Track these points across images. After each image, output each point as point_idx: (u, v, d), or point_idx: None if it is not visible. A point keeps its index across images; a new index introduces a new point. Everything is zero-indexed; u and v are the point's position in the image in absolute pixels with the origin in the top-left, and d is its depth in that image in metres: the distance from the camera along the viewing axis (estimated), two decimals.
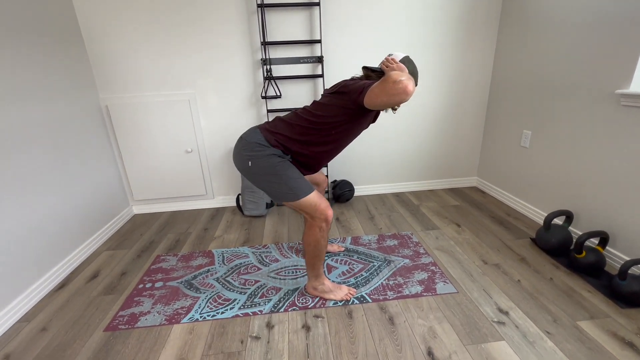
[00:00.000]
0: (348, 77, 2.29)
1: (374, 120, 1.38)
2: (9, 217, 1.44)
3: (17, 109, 1.51)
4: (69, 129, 1.86)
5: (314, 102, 1.33)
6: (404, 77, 1.01)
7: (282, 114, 2.33)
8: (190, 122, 2.29)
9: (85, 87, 2.04)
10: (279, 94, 2.26)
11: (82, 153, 1.96)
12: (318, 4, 2.08)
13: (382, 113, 1.48)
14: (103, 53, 2.09)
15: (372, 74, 1.31)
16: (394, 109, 1.22)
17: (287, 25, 2.16)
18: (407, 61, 1.27)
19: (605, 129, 1.61)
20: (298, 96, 2.32)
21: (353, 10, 2.17)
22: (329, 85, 2.31)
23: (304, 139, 1.28)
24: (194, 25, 2.09)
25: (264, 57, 2.17)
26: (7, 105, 1.46)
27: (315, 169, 1.42)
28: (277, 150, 1.28)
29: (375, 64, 2.30)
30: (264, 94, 2.24)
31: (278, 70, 2.24)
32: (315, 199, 1.28)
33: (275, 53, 2.21)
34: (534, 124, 2.07)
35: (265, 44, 2.13)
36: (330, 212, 1.29)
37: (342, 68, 2.30)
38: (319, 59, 2.21)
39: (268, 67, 2.19)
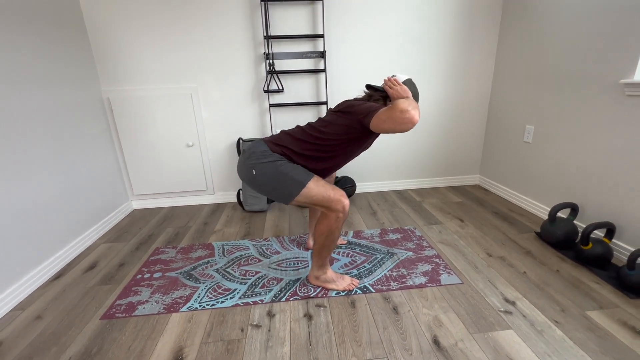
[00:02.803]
0: (351, 71, 2.31)
1: (373, 140, 1.40)
2: (6, 205, 1.41)
3: (17, 98, 1.50)
4: (69, 119, 1.84)
5: (319, 119, 1.36)
6: (412, 107, 1.04)
7: (284, 109, 2.35)
8: (192, 116, 2.28)
9: (87, 78, 2.03)
10: (281, 88, 2.26)
11: (82, 144, 1.94)
12: None
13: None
14: (106, 45, 2.10)
15: (375, 94, 1.35)
16: None
17: (290, 19, 2.17)
18: (409, 83, 1.32)
19: (610, 120, 1.60)
20: (300, 90, 2.32)
21: (356, 5, 2.18)
22: (331, 80, 2.31)
23: (308, 154, 1.30)
24: (198, 19, 2.10)
25: (266, 51, 2.17)
26: (7, 92, 1.45)
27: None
28: (281, 157, 1.29)
29: (377, 60, 2.31)
30: (266, 88, 2.23)
31: (281, 64, 2.25)
32: (325, 189, 1.25)
33: (278, 47, 2.21)
34: (536, 118, 2.06)
35: (268, 38, 2.13)
36: (346, 200, 1.25)
37: (344, 63, 2.30)
38: (322, 54, 2.22)
39: (271, 61, 2.19)
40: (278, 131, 2.37)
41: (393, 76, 1.32)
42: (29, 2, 1.60)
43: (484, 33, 2.34)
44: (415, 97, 1.32)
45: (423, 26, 2.27)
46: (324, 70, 2.24)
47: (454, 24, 2.29)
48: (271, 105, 2.29)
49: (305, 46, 2.23)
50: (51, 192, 1.67)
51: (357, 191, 2.62)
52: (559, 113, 1.89)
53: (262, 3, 2.07)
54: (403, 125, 1.06)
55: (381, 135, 2.46)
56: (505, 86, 2.33)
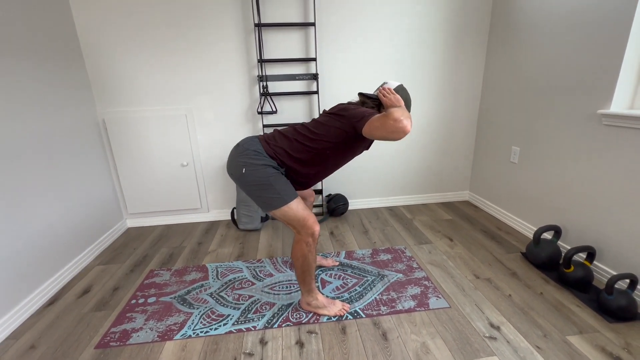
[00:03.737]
0: (343, 93, 2.37)
1: (367, 148, 1.43)
2: (1, 231, 1.43)
3: (12, 122, 1.52)
4: (65, 142, 1.87)
5: (313, 120, 1.37)
6: (405, 117, 1.06)
7: (278, 129, 2.39)
8: (187, 136, 2.32)
9: (83, 100, 2.06)
10: (274, 109, 2.30)
11: (77, 165, 1.96)
12: (313, 24, 2.15)
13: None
14: (101, 67, 2.13)
15: (368, 101, 1.37)
16: None
17: (283, 43, 2.22)
18: (401, 89, 1.34)
19: (589, 147, 1.67)
20: (293, 112, 2.37)
21: (347, 30, 2.25)
22: (323, 101, 2.36)
23: (299, 156, 1.31)
24: (193, 42, 2.15)
25: (260, 73, 2.22)
26: (3, 117, 1.47)
27: (304, 187, 1.45)
28: (273, 161, 1.30)
29: (368, 82, 2.38)
30: (260, 110, 2.28)
31: (274, 86, 2.30)
32: (303, 212, 1.30)
33: (271, 70, 2.26)
34: (522, 140, 2.14)
35: (261, 61, 2.18)
36: (317, 227, 1.32)
37: (336, 84, 2.36)
38: (314, 76, 2.27)
39: (264, 83, 2.24)
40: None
41: (385, 83, 1.34)
42: (27, 29, 1.63)
43: (471, 55, 2.42)
44: (408, 103, 1.35)
45: (413, 48, 2.35)
46: (316, 92, 2.29)
47: (443, 47, 2.37)
48: (265, 126, 2.33)
49: (298, 69, 2.29)
50: (46, 215, 1.69)
51: (349, 208, 2.66)
52: (542, 137, 1.97)
53: (256, 28, 2.12)
54: (395, 134, 1.07)
55: (373, 151, 2.52)
56: (492, 107, 2.41)
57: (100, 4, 2.01)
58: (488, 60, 2.41)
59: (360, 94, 1.41)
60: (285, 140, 1.33)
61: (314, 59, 2.23)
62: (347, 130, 1.25)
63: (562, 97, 1.81)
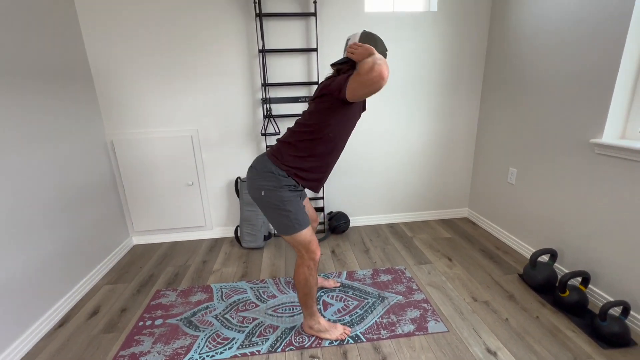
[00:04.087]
0: None
1: (364, 109, 1.39)
2: (12, 255, 1.48)
3: (26, 149, 1.59)
4: (74, 165, 1.93)
5: (304, 112, 1.36)
6: (376, 63, 1.02)
7: (280, 139, 2.45)
8: (192, 157, 2.39)
9: (92, 124, 2.13)
10: (277, 131, 2.37)
11: (87, 187, 2.03)
12: (316, 50, 2.23)
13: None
14: (111, 92, 2.20)
15: (342, 66, 1.31)
16: None
17: (286, 67, 2.30)
18: (365, 36, 1.27)
19: (583, 174, 1.72)
20: None
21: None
22: None
23: (307, 153, 1.31)
24: (199, 66, 2.22)
25: (264, 96, 2.30)
26: (18, 140, 1.54)
27: (327, 175, 1.45)
28: (289, 179, 1.32)
29: (370, 104, 2.44)
30: (263, 131, 2.35)
31: (277, 108, 2.37)
32: (310, 237, 1.36)
33: (275, 93, 2.33)
34: (519, 162, 2.19)
35: (265, 85, 2.26)
36: (318, 253, 1.39)
37: None
38: None
39: (268, 106, 2.31)
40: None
41: (348, 40, 1.29)
42: (40, 58, 1.71)
43: (469, 78, 2.48)
44: (378, 44, 1.28)
45: (414, 70, 2.41)
46: None
47: (442, 68, 2.44)
48: (268, 146, 2.40)
49: (300, 92, 2.36)
50: (57, 239, 1.75)
51: (351, 225, 2.71)
52: (539, 160, 2.02)
53: (260, 54, 2.20)
54: (374, 84, 1.05)
55: (374, 168, 2.58)
56: (489, 128, 2.47)
57: (111, 32, 2.09)
58: (485, 81, 2.47)
59: (332, 65, 1.36)
60: (290, 147, 1.33)
61: (317, 83, 2.30)
62: (337, 106, 1.23)
63: (556, 125, 1.86)
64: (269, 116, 2.33)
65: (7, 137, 1.48)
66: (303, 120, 1.34)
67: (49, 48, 1.78)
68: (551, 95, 1.88)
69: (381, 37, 1.34)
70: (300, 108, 2.39)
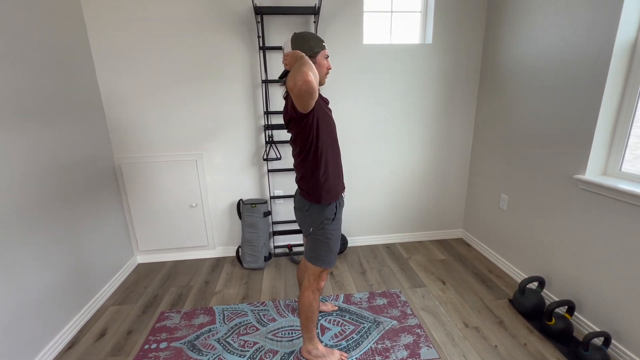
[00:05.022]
0: (343, 139, 2.53)
1: (328, 114, 1.38)
2: (21, 279, 1.56)
3: (38, 179, 1.67)
4: (84, 191, 2.02)
5: (290, 143, 1.43)
6: (297, 72, 1.05)
7: (281, 174, 2.55)
8: (196, 179, 2.48)
9: (102, 150, 2.23)
10: (279, 156, 2.47)
11: (94, 210, 2.12)
12: None
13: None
14: (120, 118, 2.31)
15: (286, 79, 1.29)
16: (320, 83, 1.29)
17: None
18: (296, 39, 1.28)
19: (568, 207, 1.81)
20: None
21: (346, 74, 2.42)
22: None
23: (318, 167, 1.35)
24: (205, 94, 2.33)
25: (266, 123, 2.40)
26: (29, 175, 1.62)
27: (341, 167, 1.49)
28: (320, 205, 1.39)
29: (369, 128, 2.55)
30: (265, 157, 2.45)
31: (279, 134, 2.47)
32: (325, 272, 1.49)
33: (276, 119, 2.44)
34: (510, 189, 2.29)
35: (267, 112, 2.36)
36: (324, 281, 1.52)
37: (340, 127, 2.52)
38: None
39: (270, 132, 2.42)
40: (275, 192, 2.58)
41: (282, 50, 1.34)
42: (55, 91, 1.81)
43: (462, 105, 2.60)
44: (307, 43, 1.28)
45: (406, 93, 2.52)
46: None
47: (436, 97, 2.55)
48: (270, 171, 2.50)
49: None
50: (65, 261, 1.83)
51: (349, 245, 2.80)
52: (528, 190, 2.12)
53: (263, 83, 2.31)
54: (305, 96, 1.09)
55: (372, 190, 2.67)
56: (482, 154, 2.57)
57: (121, 61, 2.21)
58: (478, 107, 2.58)
59: (279, 80, 1.45)
60: (308, 177, 1.38)
61: None
62: (305, 122, 1.25)
63: (543, 158, 1.96)
64: (270, 142, 2.43)
65: (16, 170, 1.57)
66: (294, 151, 1.41)
67: (64, 82, 1.88)
68: (538, 130, 1.99)
69: (314, 33, 1.36)
70: None
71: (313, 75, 1.09)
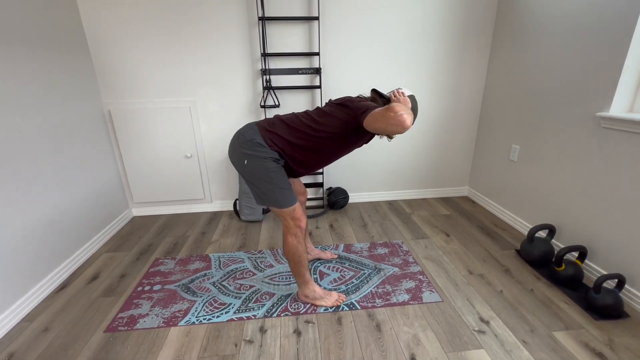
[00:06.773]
0: (345, 87, 2.38)
1: (367, 141, 1.43)
2: (12, 219, 1.49)
3: (21, 113, 1.56)
4: (71, 133, 1.91)
5: (318, 108, 1.39)
6: (405, 111, 1.07)
7: (279, 115, 2.41)
8: (191, 128, 2.36)
9: (88, 93, 2.09)
10: (277, 103, 2.33)
11: (84, 156, 2.02)
12: (317, 19, 2.15)
13: (376, 137, 1.55)
14: (107, 60, 2.15)
15: (379, 99, 1.38)
16: (389, 137, 1.29)
17: (286, 37, 2.23)
18: (411, 98, 1.35)
19: (586, 149, 1.69)
20: (296, 106, 2.39)
21: (351, 24, 2.24)
22: (326, 95, 2.38)
23: (301, 143, 1.32)
24: (197, 35, 2.16)
25: (263, 67, 2.24)
26: (11, 110, 1.51)
27: (304, 173, 1.47)
28: (274, 153, 1.32)
29: (371, 75, 2.38)
30: (263, 103, 2.30)
31: (277, 80, 2.31)
32: (296, 211, 1.37)
33: (274, 64, 2.27)
34: (521, 139, 2.15)
35: (265, 55, 2.20)
36: (304, 220, 1.41)
37: (339, 79, 2.37)
38: (317, 70, 2.28)
39: (267, 77, 2.26)
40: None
41: (399, 89, 1.36)
42: (34, 23, 1.66)
43: (475, 53, 2.41)
44: (415, 111, 1.36)
45: (417, 45, 2.34)
46: (319, 87, 2.31)
47: (447, 44, 2.36)
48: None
49: (301, 63, 2.30)
50: (55, 205, 1.76)
51: (350, 202, 2.71)
52: (541, 136, 1.98)
53: (260, 21, 2.12)
54: (394, 127, 1.08)
55: (375, 145, 2.55)
56: (494, 105, 2.41)
57: None
58: (491, 59, 2.40)
59: (373, 91, 1.42)
60: (286, 129, 1.33)
61: (317, 54, 2.24)
62: (349, 122, 1.26)
63: (562, 98, 1.81)
64: (268, 88, 2.28)
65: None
66: (314, 115, 1.34)
67: (41, 12, 1.72)
68: (559, 67, 1.82)
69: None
70: (301, 80, 2.34)
71: (408, 127, 1.11)
